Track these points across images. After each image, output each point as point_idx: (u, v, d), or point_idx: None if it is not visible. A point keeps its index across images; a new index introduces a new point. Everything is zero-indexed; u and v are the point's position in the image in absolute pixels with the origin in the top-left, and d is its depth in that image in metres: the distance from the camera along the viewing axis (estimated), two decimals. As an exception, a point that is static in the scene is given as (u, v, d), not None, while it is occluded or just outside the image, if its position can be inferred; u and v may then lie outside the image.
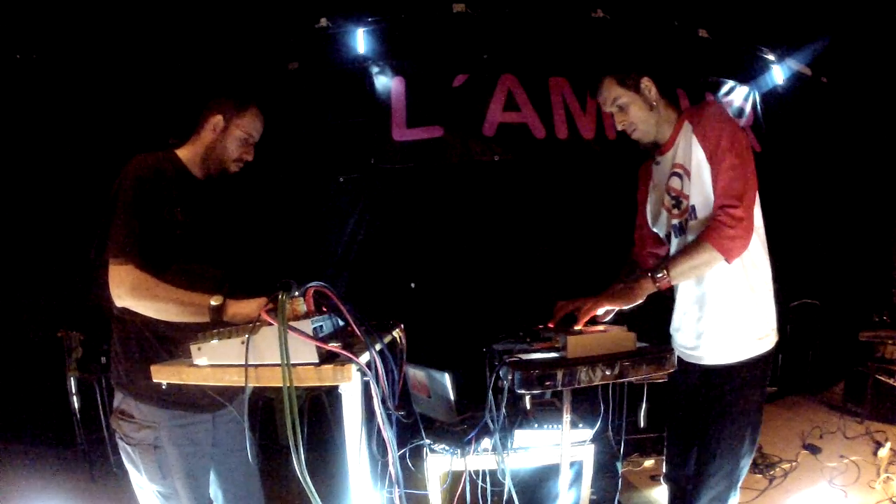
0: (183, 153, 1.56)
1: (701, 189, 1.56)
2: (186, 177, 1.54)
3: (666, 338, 1.86)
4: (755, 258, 1.58)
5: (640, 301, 1.52)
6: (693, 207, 1.59)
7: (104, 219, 1.36)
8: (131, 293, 1.32)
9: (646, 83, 1.62)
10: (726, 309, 1.59)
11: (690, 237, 1.60)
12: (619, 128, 1.68)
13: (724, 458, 1.59)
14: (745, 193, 1.47)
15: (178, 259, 1.43)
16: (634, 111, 1.64)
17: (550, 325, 1.62)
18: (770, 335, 1.61)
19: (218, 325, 1.23)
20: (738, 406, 1.59)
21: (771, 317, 1.62)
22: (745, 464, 1.62)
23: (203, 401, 1.46)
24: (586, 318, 1.51)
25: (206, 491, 1.55)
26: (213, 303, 1.27)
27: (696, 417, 1.70)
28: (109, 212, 1.36)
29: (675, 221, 1.68)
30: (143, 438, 1.41)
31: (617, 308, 1.57)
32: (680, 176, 1.63)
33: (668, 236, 1.74)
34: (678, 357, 1.69)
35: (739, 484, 1.63)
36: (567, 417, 1.67)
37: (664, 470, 1.92)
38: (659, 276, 1.49)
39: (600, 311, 1.56)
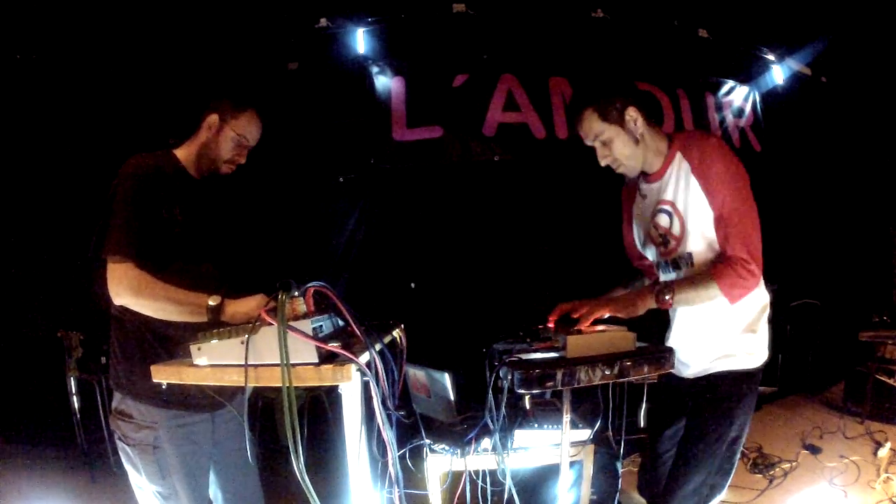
0: (181, 153, 1.56)
1: (701, 237, 1.50)
2: (184, 176, 1.54)
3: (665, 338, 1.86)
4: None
5: (640, 313, 1.50)
6: (690, 255, 1.54)
7: (102, 218, 1.36)
8: (129, 292, 1.32)
9: (631, 114, 1.49)
10: (722, 327, 1.56)
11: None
12: (603, 164, 1.57)
13: (695, 469, 1.54)
14: (757, 246, 1.44)
15: (176, 258, 1.43)
16: (619, 147, 1.52)
17: (550, 325, 1.62)
18: (758, 354, 1.57)
19: (216, 324, 1.23)
20: (716, 415, 1.54)
21: (763, 336, 1.58)
22: (718, 484, 1.56)
23: (202, 401, 1.46)
24: (589, 321, 1.50)
25: (206, 491, 1.55)
26: (210, 303, 1.27)
27: (675, 426, 1.69)
28: (107, 211, 1.36)
29: (662, 260, 1.65)
30: (143, 439, 1.41)
31: (615, 314, 1.54)
32: (669, 214, 1.54)
33: (658, 266, 1.72)
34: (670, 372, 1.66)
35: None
36: (567, 417, 1.67)
37: (638, 481, 1.89)
38: (666, 297, 1.45)
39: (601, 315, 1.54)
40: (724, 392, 1.55)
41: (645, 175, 1.60)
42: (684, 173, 1.49)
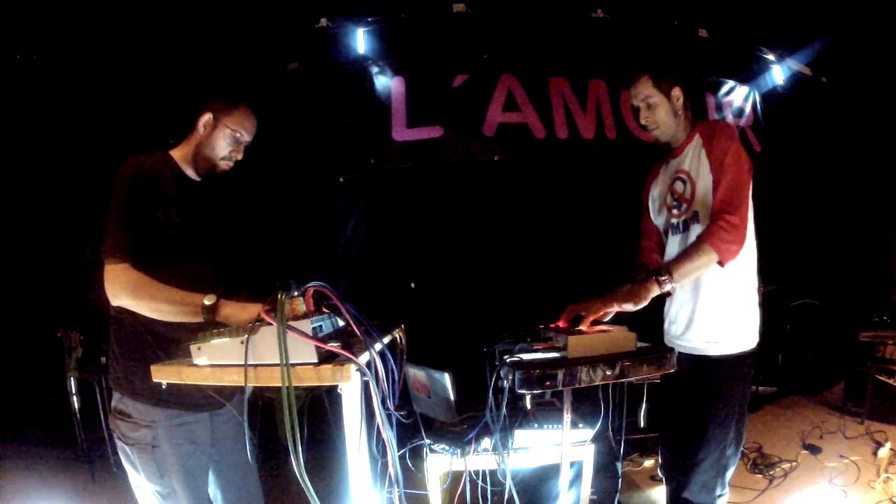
0: (177, 153, 1.56)
1: (705, 199, 1.70)
2: (180, 177, 1.54)
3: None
4: (746, 263, 1.73)
5: (646, 303, 1.58)
6: (696, 213, 1.73)
7: (99, 220, 1.37)
8: (126, 293, 1.32)
9: (677, 92, 1.78)
10: (718, 301, 1.72)
11: (692, 238, 1.72)
12: (643, 122, 1.82)
13: (710, 446, 1.68)
14: (741, 205, 1.63)
15: (173, 259, 1.43)
16: (661, 113, 1.78)
17: (562, 325, 1.63)
18: (754, 335, 1.75)
19: (211, 325, 1.23)
20: (724, 397, 1.70)
21: (756, 318, 1.76)
22: (732, 454, 1.73)
23: (201, 400, 1.47)
24: (593, 318, 1.53)
25: (205, 490, 1.55)
26: (206, 302, 1.26)
27: (685, 408, 1.79)
28: (104, 213, 1.37)
29: (674, 221, 1.82)
30: (141, 438, 1.42)
31: (623, 309, 1.59)
32: (684, 182, 1.78)
33: (666, 232, 1.88)
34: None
35: (728, 475, 1.74)
36: (567, 417, 1.67)
37: (660, 461, 1.97)
38: (662, 279, 1.56)
39: (607, 313, 1.58)
40: (723, 375, 1.72)
41: (669, 148, 1.87)
42: (698, 149, 1.76)
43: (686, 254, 1.62)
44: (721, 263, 1.60)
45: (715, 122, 1.87)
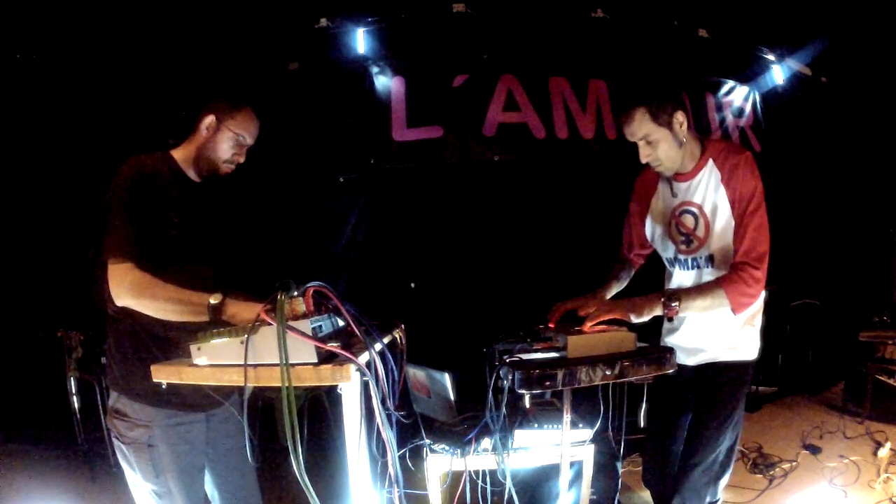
0: (178, 154, 1.56)
1: (723, 241, 1.59)
2: (181, 178, 1.54)
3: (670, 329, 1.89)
4: None
5: (645, 320, 1.54)
6: (711, 257, 1.64)
7: (101, 220, 1.37)
8: (131, 292, 1.32)
9: (679, 118, 1.54)
10: (727, 314, 1.61)
11: (706, 279, 1.65)
12: (644, 160, 1.61)
13: (705, 449, 1.65)
14: (764, 257, 1.53)
15: (173, 260, 1.43)
16: (664, 148, 1.56)
17: (551, 325, 1.62)
18: (755, 346, 1.72)
19: (217, 323, 1.23)
20: (722, 401, 1.67)
21: (758, 331, 1.72)
22: (725, 462, 1.69)
23: (198, 400, 1.47)
24: (594, 323, 1.50)
25: (200, 490, 1.55)
26: (211, 301, 1.26)
27: (682, 415, 1.77)
28: (106, 213, 1.37)
29: (682, 257, 1.72)
30: (137, 437, 1.42)
31: (622, 318, 1.56)
32: (695, 216, 1.64)
33: (671, 262, 1.79)
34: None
35: (721, 483, 1.69)
36: (567, 417, 1.67)
37: (643, 473, 1.97)
38: (672, 304, 1.51)
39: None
40: (731, 378, 1.69)
41: (675, 174, 1.66)
42: (714, 181, 1.58)
43: (701, 291, 1.55)
44: (734, 312, 1.54)
45: (733, 152, 1.57)
